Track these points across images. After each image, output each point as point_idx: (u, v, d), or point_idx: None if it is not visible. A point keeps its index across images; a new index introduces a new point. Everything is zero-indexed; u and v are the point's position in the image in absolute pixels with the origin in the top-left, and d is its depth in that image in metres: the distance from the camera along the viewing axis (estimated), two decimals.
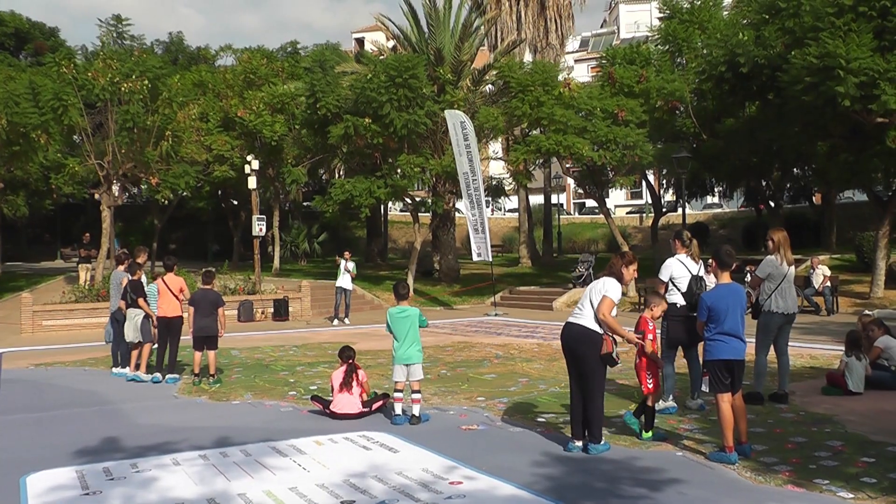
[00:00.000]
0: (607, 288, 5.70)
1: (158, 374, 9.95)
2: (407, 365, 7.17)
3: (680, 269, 7.32)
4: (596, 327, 5.65)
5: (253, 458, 6.09)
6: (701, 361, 6.67)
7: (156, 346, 10.27)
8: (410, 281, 21.92)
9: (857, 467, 5.52)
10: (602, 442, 5.93)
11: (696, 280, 7.25)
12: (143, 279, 10.48)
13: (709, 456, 5.80)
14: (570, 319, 5.84)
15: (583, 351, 5.68)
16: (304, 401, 8.45)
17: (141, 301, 10.11)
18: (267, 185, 28.45)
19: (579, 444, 5.90)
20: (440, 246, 27.59)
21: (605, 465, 5.67)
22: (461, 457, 5.94)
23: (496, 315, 19.76)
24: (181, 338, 10.25)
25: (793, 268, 7.69)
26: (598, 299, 5.71)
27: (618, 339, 5.79)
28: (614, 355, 5.67)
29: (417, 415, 7.21)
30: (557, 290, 22.95)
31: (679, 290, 7.25)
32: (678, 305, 7.22)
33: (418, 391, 7.31)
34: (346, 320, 18.36)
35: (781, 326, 7.77)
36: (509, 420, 7.28)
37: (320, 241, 34.67)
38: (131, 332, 10.22)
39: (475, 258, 21.51)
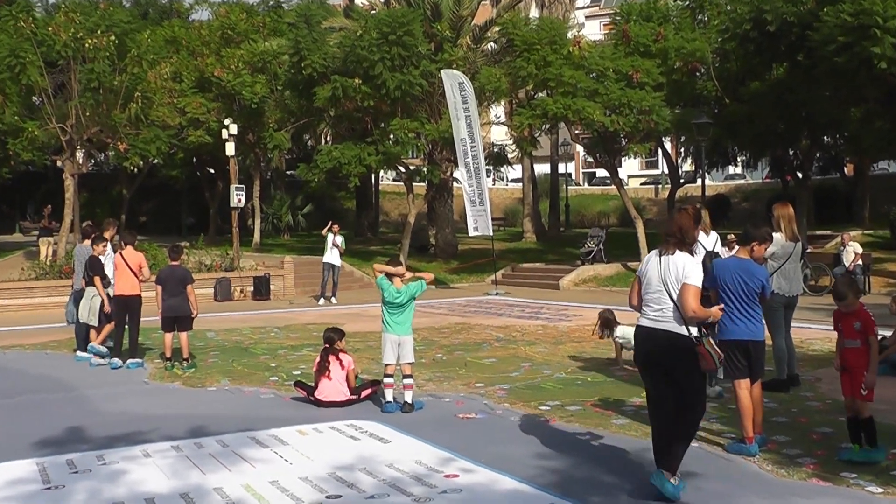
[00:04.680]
0: (688, 271, 4.77)
1: (118, 359, 9.89)
2: (399, 336, 7.24)
3: None
4: (684, 330, 4.77)
5: (230, 449, 6.09)
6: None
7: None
8: (404, 257, 21.88)
9: (888, 460, 5.51)
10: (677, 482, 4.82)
11: (712, 257, 7.20)
12: (110, 253, 10.43)
13: (727, 448, 5.82)
14: (648, 322, 4.91)
15: (672, 363, 4.84)
16: (286, 387, 8.45)
17: (97, 280, 10.07)
18: (246, 151, 28.30)
19: (672, 478, 4.81)
20: (436, 219, 27.56)
21: (615, 457, 5.68)
22: (458, 448, 5.95)
23: (497, 294, 19.78)
24: (145, 318, 10.23)
25: (799, 245, 7.70)
26: (677, 288, 4.79)
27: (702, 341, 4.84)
28: (718, 364, 4.80)
29: (410, 402, 7.23)
30: (564, 267, 22.95)
31: None
32: None
33: (410, 376, 7.33)
34: (334, 299, 18.36)
35: (784, 311, 7.77)
36: (510, 408, 7.30)
37: (305, 213, 34.57)
38: (86, 313, 10.20)
39: (472, 233, 21.49)
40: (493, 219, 22.71)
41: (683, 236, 4.87)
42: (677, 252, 4.86)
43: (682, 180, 30.04)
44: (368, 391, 7.76)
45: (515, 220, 40.25)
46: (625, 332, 9.10)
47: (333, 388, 7.54)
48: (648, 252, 5.31)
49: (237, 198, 20.89)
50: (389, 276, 7.33)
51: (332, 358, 7.65)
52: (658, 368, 4.86)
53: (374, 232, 34.15)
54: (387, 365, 7.35)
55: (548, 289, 21.02)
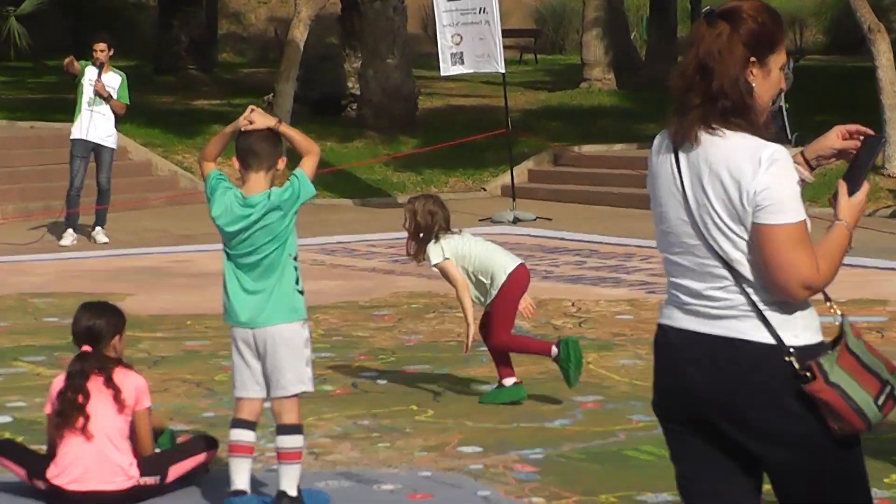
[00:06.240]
0: (761, 187, 4.50)
1: None
2: (257, 328, 7.27)
3: None
4: (765, 334, 4.64)
5: None
6: None
7: None
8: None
9: None
10: None
11: None
12: None
13: None
14: (681, 320, 4.87)
15: (745, 421, 4.64)
16: None
17: None
18: None
19: None
20: (365, 37, 27.79)
21: None
22: None
23: (515, 221, 20.27)
24: None
25: None
26: (733, 235, 4.65)
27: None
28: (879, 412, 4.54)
29: (294, 494, 7.26)
30: None
31: None
32: None
33: (296, 429, 7.33)
34: (100, 233, 18.62)
35: None
36: None
37: (25, 14, 34.29)
38: None
39: (448, 71, 21.98)
40: (505, 33, 22.63)
41: (719, 89, 4.55)
42: (715, 136, 4.59)
43: None
44: (188, 464, 7.79)
45: (564, 38, 40.31)
46: (453, 248, 9.81)
47: (95, 457, 7.50)
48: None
49: None
50: (244, 162, 7.27)
51: (94, 383, 7.57)
52: (709, 430, 4.70)
53: (205, 62, 34.57)
54: (239, 401, 7.38)
55: (645, 208, 21.05)
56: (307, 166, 7.46)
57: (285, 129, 7.50)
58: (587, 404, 9.63)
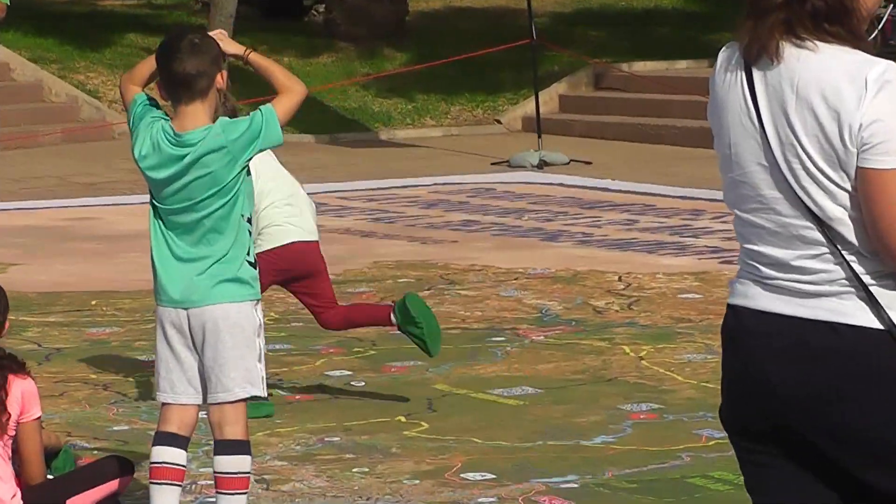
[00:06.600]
0: (870, 118, 4.33)
1: None
2: (192, 309, 7.21)
3: None
4: (871, 317, 4.55)
5: None
6: None
7: None
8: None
9: None
10: None
11: None
12: None
13: None
14: (767, 299, 4.75)
15: (873, 438, 4.48)
16: None
17: None
18: None
19: None
20: None
21: None
22: None
23: (542, 165, 20.39)
24: None
25: None
26: (832, 182, 4.53)
27: None
28: None
29: None
30: None
31: None
32: None
33: (241, 446, 7.32)
34: None
35: None
36: None
37: None
38: None
39: None
40: None
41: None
42: (803, 49, 4.40)
43: None
44: (94, 495, 7.77)
45: None
46: None
47: None
48: None
49: None
50: (171, 94, 7.20)
51: None
52: (798, 448, 4.60)
53: None
54: (166, 408, 7.36)
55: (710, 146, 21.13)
56: (281, 106, 7.41)
57: (258, 59, 7.47)
58: (638, 415, 9.61)
